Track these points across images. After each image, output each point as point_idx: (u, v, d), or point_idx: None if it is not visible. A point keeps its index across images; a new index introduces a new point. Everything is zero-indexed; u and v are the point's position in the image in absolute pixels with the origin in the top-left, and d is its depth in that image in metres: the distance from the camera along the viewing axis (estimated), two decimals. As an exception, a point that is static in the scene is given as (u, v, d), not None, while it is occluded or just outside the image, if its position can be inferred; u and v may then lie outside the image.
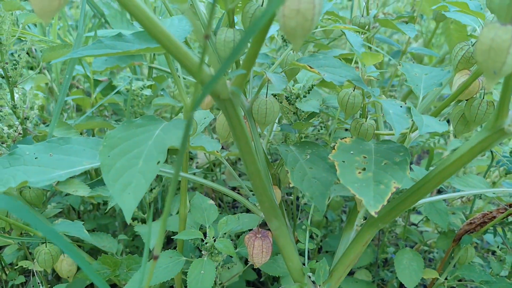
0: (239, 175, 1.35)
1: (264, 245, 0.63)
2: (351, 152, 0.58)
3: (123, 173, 0.49)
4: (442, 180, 0.54)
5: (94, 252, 0.96)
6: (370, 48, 0.81)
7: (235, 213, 1.28)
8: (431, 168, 1.19)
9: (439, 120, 0.61)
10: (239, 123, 0.50)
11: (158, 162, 0.48)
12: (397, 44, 0.92)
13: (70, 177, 0.63)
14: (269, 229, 0.76)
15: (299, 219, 1.06)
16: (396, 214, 0.60)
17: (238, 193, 1.01)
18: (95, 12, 1.16)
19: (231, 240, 0.98)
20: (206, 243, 0.66)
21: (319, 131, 0.85)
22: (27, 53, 0.76)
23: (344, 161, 0.55)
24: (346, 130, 0.86)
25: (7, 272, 0.90)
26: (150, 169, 0.48)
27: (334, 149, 0.58)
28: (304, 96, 0.76)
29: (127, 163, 0.49)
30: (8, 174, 0.54)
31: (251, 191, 0.90)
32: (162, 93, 1.04)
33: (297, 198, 1.07)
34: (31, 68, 1.13)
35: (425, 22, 1.52)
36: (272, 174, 0.82)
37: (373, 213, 0.48)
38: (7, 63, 0.73)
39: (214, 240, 0.67)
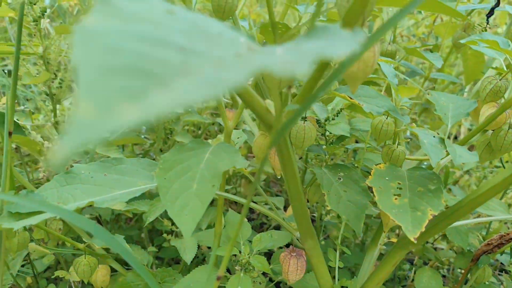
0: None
1: (299, 263, 0.66)
2: (386, 178, 0.61)
3: (179, 195, 0.52)
4: (474, 208, 0.57)
5: (123, 262, 0.99)
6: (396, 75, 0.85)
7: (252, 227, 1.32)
8: (448, 187, 1.22)
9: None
10: (287, 151, 0.53)
11: (213, 186, 0.52)
12: (421, 70, 0.96)
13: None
14: (295, 246, 0.79)
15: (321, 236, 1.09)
16: (427, 237, 0.63)
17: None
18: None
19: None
20: (242, 259, 0.70)
21: (345, 151, 0.88)
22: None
23: (381, 187, 0.59)
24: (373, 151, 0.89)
25: (38, 280, 0.93)
26: (205, 192, 0.52)
27: (362, 170, 0.62)
28: (333, 119, 0.79)
29: (183, 186, 0.53)
30: (66, 192, 0.57)
31: (277, 208, 0.94)
32: (190, 109, 1.07)
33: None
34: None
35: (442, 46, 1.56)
36: (301, 193, 0.85)
37: (412, 239, 0.52)
38: (53, 82, 0.76)
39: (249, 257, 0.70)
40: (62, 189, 0.58)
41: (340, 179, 0.69)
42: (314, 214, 0.98)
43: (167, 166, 0.55)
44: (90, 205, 0.52)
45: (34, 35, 0.71)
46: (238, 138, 0.82)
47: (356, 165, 0.75)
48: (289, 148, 0.54)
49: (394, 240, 0.78)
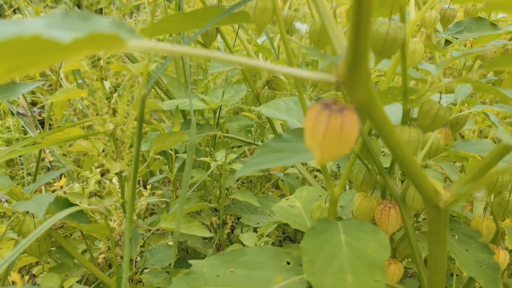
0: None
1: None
2: (521, 235, 0.58)
3: (337, 292, 0.47)
4: None
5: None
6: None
7: None
8: None
9: None
10: (445, 230, 0.49)
11: (378, 281, 0.46)
12: None
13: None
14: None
15: None
16: None
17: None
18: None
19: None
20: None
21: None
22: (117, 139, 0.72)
23: (524, 249, 0.56)
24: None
25: None
26: (367, 286, 0.47)
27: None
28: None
29: (336, 280, 0.48)
30: (193, 298, 0.50)
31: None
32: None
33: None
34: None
35: None
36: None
37: None
38: (122, 159, 0.69)
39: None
40: (187, 295, 0.51)
41: (454, 235, 0.65)
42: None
43: (311, 258, 0.50)
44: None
45: (107, 112, 0.64)
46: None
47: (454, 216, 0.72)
48: (447, 228, 0.49)
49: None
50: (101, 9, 3.02)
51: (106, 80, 0.63)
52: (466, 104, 0.67)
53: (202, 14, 0.55)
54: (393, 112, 0.64)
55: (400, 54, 0.49)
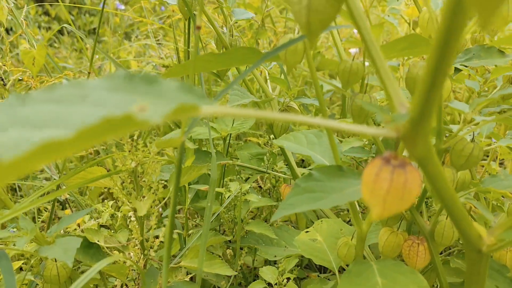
0: None
1: None
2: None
3: None
4: None
5: None
6: None
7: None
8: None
9: None
10: (484, 272, 0.49)
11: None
12: None
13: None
14: None
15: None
16: None
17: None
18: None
19: None
20: None
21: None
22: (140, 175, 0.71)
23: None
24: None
25: None
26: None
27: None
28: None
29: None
30: None
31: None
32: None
33: None
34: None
35: None
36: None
37: None
38: (144, 197, 0.68)
39: None
40: None
41: (481, 270, 0.65)
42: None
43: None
44: None
45: (130, 150, 0.63)
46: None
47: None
48: (487, 267, 0.49)
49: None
50: (94, 29, 3.02)
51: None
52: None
53: (231, 54, 0.55)
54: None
55: (436, 96, 0.49)
